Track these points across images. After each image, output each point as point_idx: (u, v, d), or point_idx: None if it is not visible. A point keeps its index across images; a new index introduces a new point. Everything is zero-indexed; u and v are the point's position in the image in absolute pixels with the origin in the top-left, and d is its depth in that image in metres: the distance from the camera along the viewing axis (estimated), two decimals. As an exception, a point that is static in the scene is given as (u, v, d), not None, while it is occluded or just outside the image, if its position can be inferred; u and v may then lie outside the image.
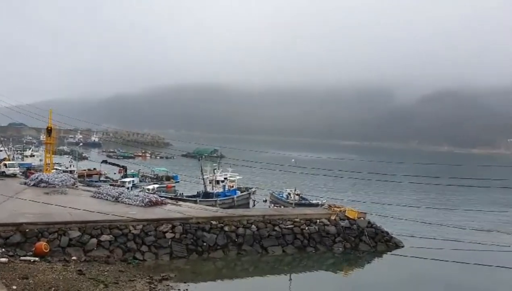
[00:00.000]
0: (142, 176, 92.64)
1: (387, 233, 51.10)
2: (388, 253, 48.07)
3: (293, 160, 74.75)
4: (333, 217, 50.39)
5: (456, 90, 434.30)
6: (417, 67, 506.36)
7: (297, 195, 70.98)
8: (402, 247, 49.63)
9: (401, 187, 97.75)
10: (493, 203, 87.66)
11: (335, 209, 52.65)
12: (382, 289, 38.42)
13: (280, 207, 66.08)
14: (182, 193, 74.54)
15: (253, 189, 79.87)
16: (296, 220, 48.60)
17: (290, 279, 39.88)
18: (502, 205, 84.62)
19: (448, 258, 45.84)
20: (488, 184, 68.63)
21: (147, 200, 51.09)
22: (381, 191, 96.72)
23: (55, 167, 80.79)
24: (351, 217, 50.66)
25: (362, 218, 51.05)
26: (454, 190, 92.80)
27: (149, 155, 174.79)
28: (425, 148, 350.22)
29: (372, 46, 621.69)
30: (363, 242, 48.72)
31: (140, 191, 61.04)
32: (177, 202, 56.61)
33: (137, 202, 50.73)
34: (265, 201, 76.57)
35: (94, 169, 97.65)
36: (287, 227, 47.19)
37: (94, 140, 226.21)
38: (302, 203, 68.33)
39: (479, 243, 52.64)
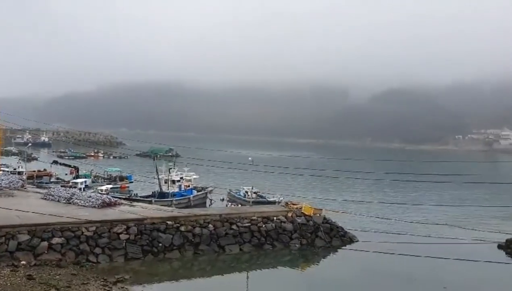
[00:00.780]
0: (94, 177, 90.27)
1: (342, 228, 52.09)
2: (342, 248, 49.03)
3: (250, 158, 75.15)
4: (289, 214, 50.83)
5: (406, 89, 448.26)
6: (369, 67, 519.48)
7: (255, 193, 71.26)
8: (357, 241, 50.74)
9: (356, 183, 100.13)
10: (445, 197, 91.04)
11: (292, 206, 53.17)
12: (337, 283, 39.12)
13: (238, 205, 66.13)
14: (137, 193, 73.23)
15: (209, 188, 79.42)
16: (253, 218, 48.69)
17: (248, 277, 39.93)
18: (453, 199, 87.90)
19: (400, 251, 47.24)
20: (437, 179, 71.16)
21: (100, 201, 49.85)
22: (337, 187, 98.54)
23: (2, 169, 77.45)
24: (307, 213, 51.27)
25: (318, 214, 51.79)
26: (407, 186, 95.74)
27: (101, 155, 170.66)
28: (378, 144, 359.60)
29: (327, 45, 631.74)
30: (319, 237, 49.44)
31: (93, 192, 59.43)
32: (131, 202, 55.53)
33: (90, 203, 49.38)
34: (223, 199, 76.31)
35: (44, 169, 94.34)
36: (244, 225, 47.22)
37: (44, 140, 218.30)
38: (260, 201, 68.59)
39: (430, 236, 54.58)
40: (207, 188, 79.37)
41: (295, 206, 52.88)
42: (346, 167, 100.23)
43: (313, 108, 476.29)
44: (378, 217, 63.35)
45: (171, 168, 75.12)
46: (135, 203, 54.72)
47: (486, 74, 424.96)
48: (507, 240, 50.52)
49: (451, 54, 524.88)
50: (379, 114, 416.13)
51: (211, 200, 76.32)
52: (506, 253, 48.90)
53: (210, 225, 45.78)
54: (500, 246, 50.42)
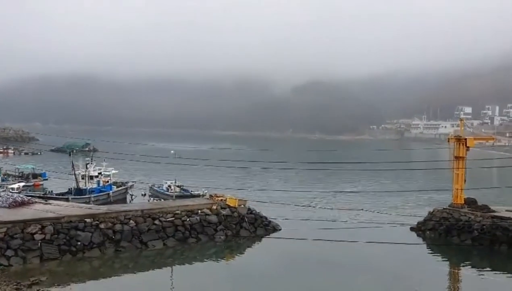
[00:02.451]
0: (4, 175, 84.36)
1: (266, 218, 52.94)
2: (266, 236, 49.92)
3: (172, 151, 73.85)
4: (214, 207, 50.77)
5: (325, 81, 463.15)
6: (289, 58, 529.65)
7: (178, 186, 70.18)
8: (280, 230, 51.82)
9: (280, 173, 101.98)
10: (362, 184, 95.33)
11: (216, 198, 53.12)
12: (260, 271, 39.74)
13: (160, 200, 64.91)
14: (52, 191, 69.43)
15: (130, 183, 77.13)
16: (177, 212, 48.07)
17: (172, 272, 39.40)
18: (370, 186, 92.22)
19: (321, 237, 48.90)
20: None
21: (11, 200, 46.93)
22: (261, 178, 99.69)
23: None
24: (231, 205, 51.49)
25: (242, 205, 52.21)
26: (327, 174, 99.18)
27: (12, 151, 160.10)
28: (299, 135, 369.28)
29: (249, 36, 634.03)
30: (244, 228, 49.90)
31: (3, 191, 55.61)
32: (46, 200, 52.68)
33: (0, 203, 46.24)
34: (144, 194, 74.41)
35: None
36: (167, 220, 46.46)
37: None
38: (183, 194, 67.72)
39: (350, 222, 56.97)
40: (127, 183, 77.00)
41: (219, 198, 52.87)
42: (269, 158, 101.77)
43: (236, 100, 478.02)
44: (301, 205, 65.07)
45: (88, 163, 71.95)
46: (50, 201, 52.13)
47: (398, 68, 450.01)
48: (418, 223, 53.98)
49: (367, 48, 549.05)
50: (300, 106, 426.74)
51: (132, 195, 74.20)
52: (418, 235, 52.28)
53: (131, 221, 44.59)
54: (412, 229, 53.77)
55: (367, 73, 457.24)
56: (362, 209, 65.80)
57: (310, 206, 65.70)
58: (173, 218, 46.91)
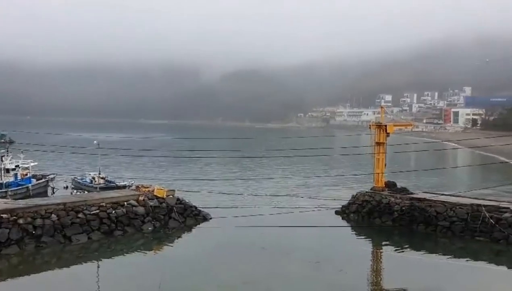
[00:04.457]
0: None
1: (196, 207, 52.51)
2: (196, 226, 49.63)
3: (95, 142, 71.40)
4: (141, 198, 49.59)
5: (254, 69, 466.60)
6: (218, 46, 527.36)
7: (102, 178, 68.17)
8: (210, 219, 51.69)
9: (209, 162, 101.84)
10: (289, 170, 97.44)
11: (143, 189, 52.01)
12: (190, 259, 39.55)
13: (84, 192, 62.72)
14: (-35, 186, 64.65)
15: (51, 176, 73.57)
16: (101, 204, 46.40)
17: (98, 266, 38.19)
18: (295, 172, 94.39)
19: (250, 223, 49.54)
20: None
21: None
22: (190, 167, 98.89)
23: None
24: (159, 195, 50.59)
25: (171, 196, 51.45)
26: (255, 162, 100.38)
27: None
28: (229, 123, 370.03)
29: (178, 24, 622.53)
30: (173, 218, 49.25)
31: None
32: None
33: None
34: (66, 187, 71.40)
35: None
36: (92, 212, 44.79)
37: None
38: (108, 186, 65.74)
39: (277, 207, 58.10)
40: (48, 175, 73.37)
41: (146, 189, 51.81)
42: (198, 147, 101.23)
43: (164, 89, 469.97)
44: (230, 193, 65.34)
45: (3, 156, 67.65)
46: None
47: (324, 58, 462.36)
48: (342, 206, 56.02)
49: (295, 36, 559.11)
50: (229, 94, 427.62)
51: (53, 188, 70.93)
52: (342, 218, 54.28)
53: (53, 215, 42.53)
54: (337, 212, 55.72)
55: (295, 64, 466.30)
56: (289, 195, 67.31)
57: (239, 194, 66.17)
58: (98, 211, 45.28)
